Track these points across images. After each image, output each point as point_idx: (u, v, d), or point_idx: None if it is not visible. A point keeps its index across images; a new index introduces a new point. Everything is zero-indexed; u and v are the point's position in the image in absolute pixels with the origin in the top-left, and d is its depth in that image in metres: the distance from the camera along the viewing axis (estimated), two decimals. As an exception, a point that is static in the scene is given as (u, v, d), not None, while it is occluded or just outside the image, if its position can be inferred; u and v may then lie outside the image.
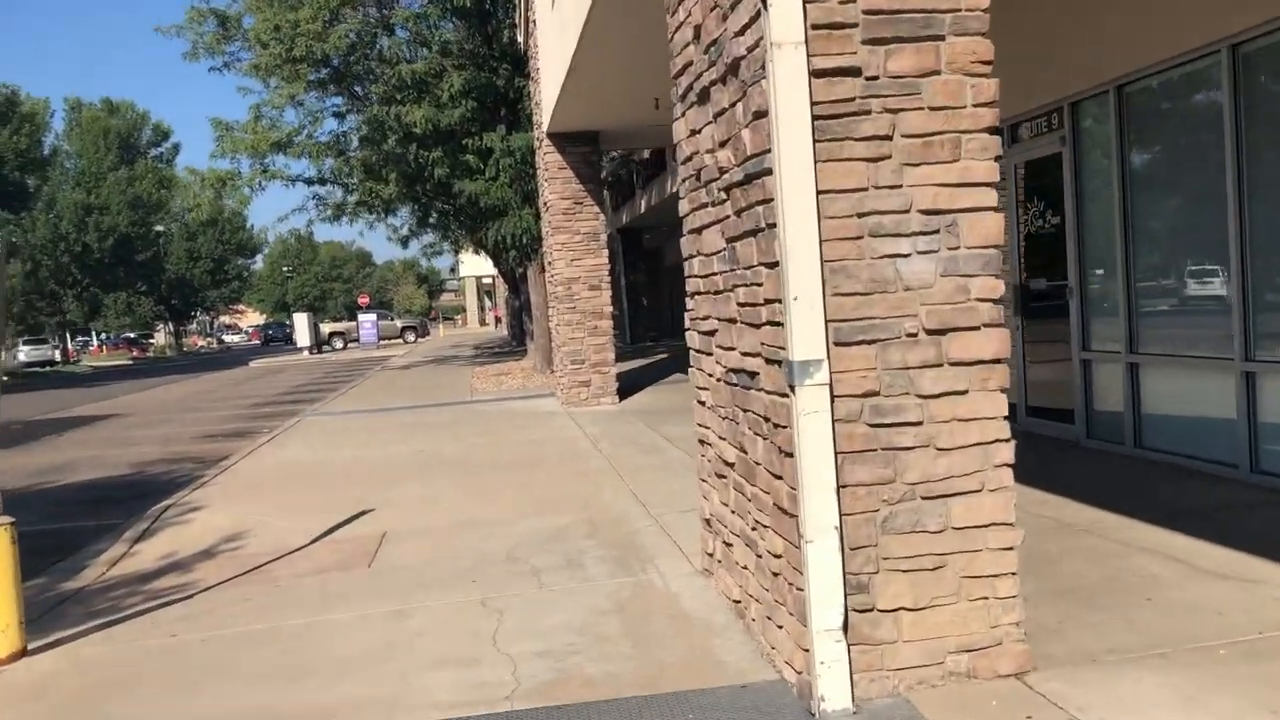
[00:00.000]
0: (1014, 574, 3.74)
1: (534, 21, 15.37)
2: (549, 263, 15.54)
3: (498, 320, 65.68)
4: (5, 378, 43.89)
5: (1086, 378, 8.36)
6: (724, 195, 4.42)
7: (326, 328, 52.39)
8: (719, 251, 4.59)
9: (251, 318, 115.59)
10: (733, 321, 4.43)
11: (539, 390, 17.73)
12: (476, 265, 64.48)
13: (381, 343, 48.58)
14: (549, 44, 13.73)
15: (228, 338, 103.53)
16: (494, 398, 17.15)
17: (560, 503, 7.98)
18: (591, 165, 14.89)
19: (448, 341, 50.44)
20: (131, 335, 75.69)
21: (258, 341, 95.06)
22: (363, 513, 8.29)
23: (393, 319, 56.44)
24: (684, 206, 5.33)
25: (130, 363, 61.57)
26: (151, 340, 77.01)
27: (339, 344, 50.43)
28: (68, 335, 71.68)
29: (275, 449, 12.87)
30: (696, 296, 5.23)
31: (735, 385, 4.48)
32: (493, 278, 66.50)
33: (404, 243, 34.15)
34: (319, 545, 7.35)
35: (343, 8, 18.83)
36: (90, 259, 49.71)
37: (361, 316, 48.22)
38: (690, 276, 5.32)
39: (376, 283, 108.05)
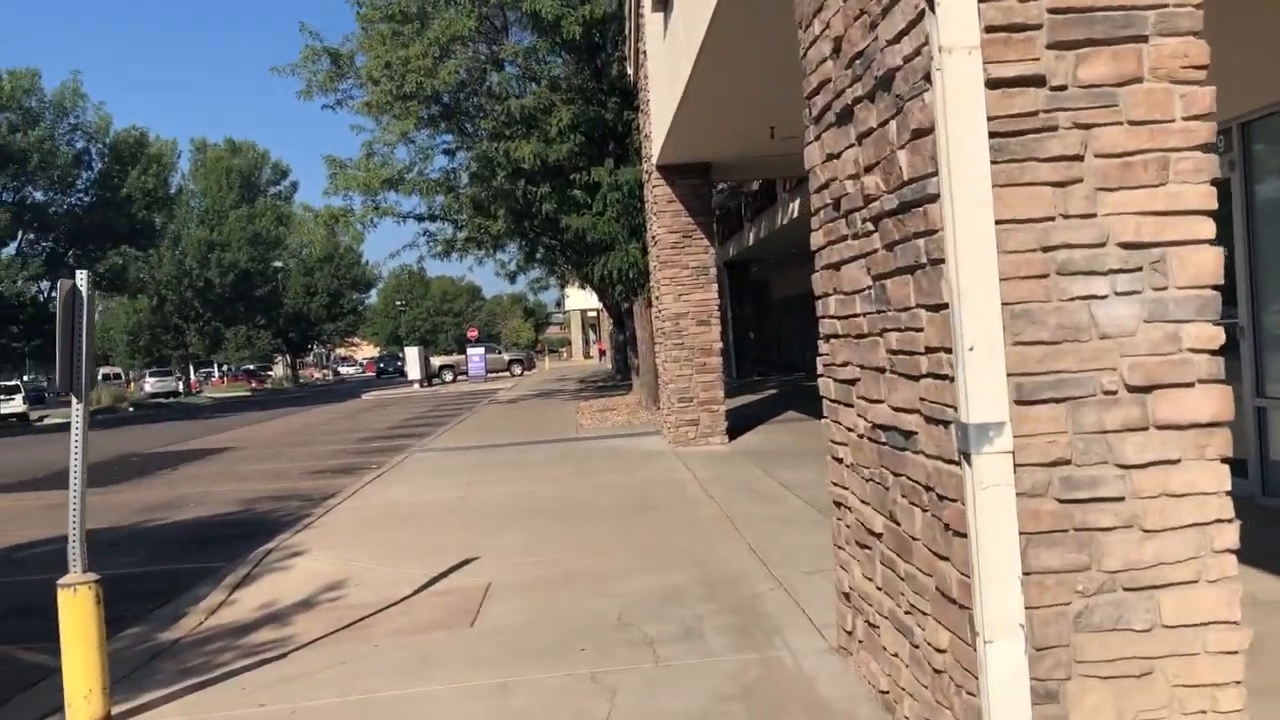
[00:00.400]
0: (1239, 683, 3.08)
1: (644, 53, 15.06)
2: (656, 297, 15.11)
3: (602, 354, 65.75)
4: (131, 409, 45.54)
5: (1261, 426, 7.50)
6: (870, 226, 3.88)
7: (437, 360, 53.09)
8: (863, 290, 4.04)
9: (366, 350, 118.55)
10: (881, 370, 3.87)
11: (645, 428, 17.27)
12: (582, 299, 64.78)
13: (489, 375, 48.94)
14: (659, 74, 13.38)
15: (343, 370, 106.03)
16: (599, 435, 16.75)
17: (672, 556, 7.46)
18: (701, 198, 14.45)
19: (553, 375, 50.54)
20: (251, 367, 78.06)
21: (372, 374, 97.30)
22: (466, 561, 7.90)
23: (500, 352, 56.92)
24: (817, 239, 4.81)
25: (249, 394, 63.37)
26: (270, 372, 79.30)
27: (449, 376, 51.00)
28: (191, 367, 74.38)
29: (380, 487, 12.66)
30: (832, 340, 4.68)
31: (884, 444, 3.92)
32: (598, 311, 66.71)
33: (512, 278, 34.26)
34: (421, 597, 6.98)
35: (453, 44, 18.85)
36: (212, 294, 51.40)
37: (470, 350, 48.69)
38: (825, 317, 4.78)
39: (485, 316, 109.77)
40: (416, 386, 43.58)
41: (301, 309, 66.25)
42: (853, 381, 4.35)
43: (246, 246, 51.75)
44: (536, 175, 19.28)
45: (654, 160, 14.26)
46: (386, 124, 20.89)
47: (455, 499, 11.14)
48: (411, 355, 45.10)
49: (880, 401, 3.93)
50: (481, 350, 48.11)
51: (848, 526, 4.68)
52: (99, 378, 66.04)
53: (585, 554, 7.82)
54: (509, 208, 21.58)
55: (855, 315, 4.20)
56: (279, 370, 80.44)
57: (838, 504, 4.87)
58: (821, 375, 4.99)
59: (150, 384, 57.68)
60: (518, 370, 53.41)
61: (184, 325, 53.76)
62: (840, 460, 4.77)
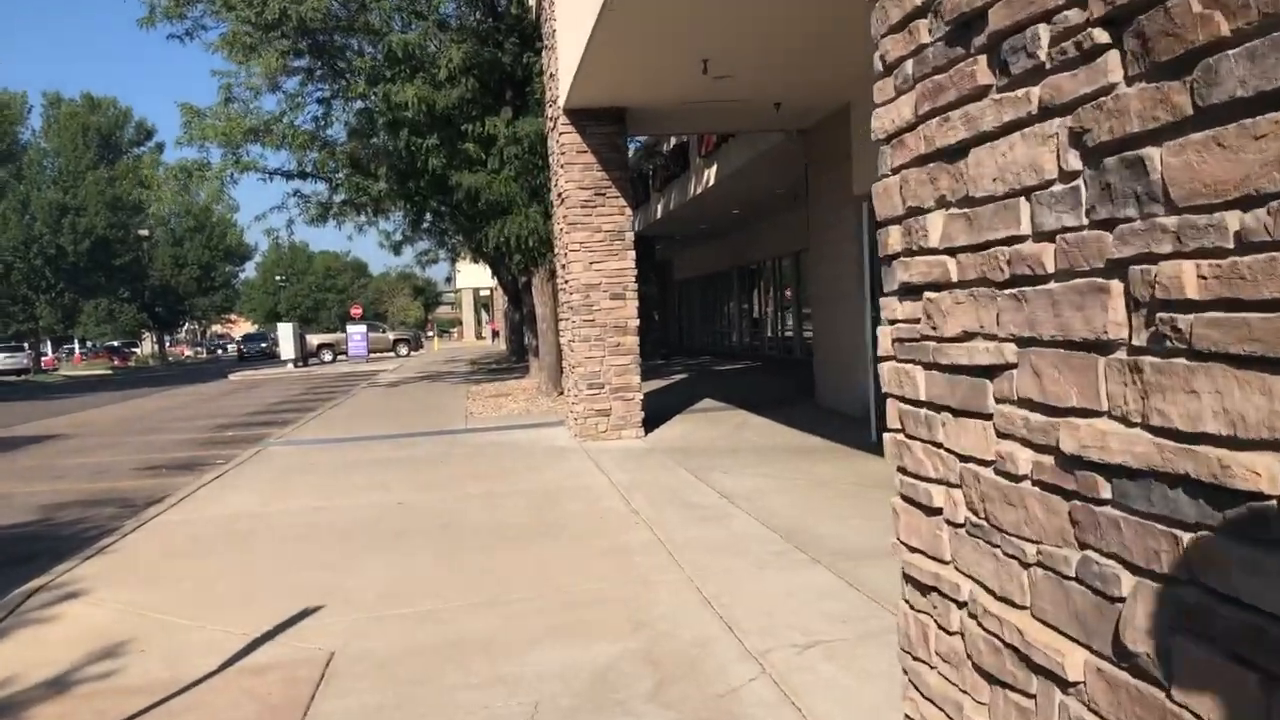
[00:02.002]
0: None
1: (550, -23, 12.82)
2: (563, 266, 12.94)
3: (495, 334, 63.13)
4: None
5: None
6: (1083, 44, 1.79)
7: (315, 339, 49.73)
8: (1043, 185, 1.99)
9: (244, 327, 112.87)
10: (1097, 348, 1.81)
11: (545, 417, 15.09)
12: (474, 276, 62.04)
13: (372, 356, 45.91)
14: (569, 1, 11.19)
15: (218, 348, 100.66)
16: (493, 425, 14.50)
17: (598, 610, 5.33)
18: (617, 149, 12.31)
19: (442, 355, 47.74)
20: (115, 344, 72.93)
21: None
22: (306, 612, 5.64)
23: (384, 331, 53.78)
24: (899, 113, 2.74)
25: (110, 372, 58.75)
26: (135, 350, 74.24)
27: (327, 356, 47.76)
28: (48, 343, 68.98)
29: (219, 492, 10.21)
30: (929, 296, 2.62)
31: (1097, 503, 1.87)
32: (491, 289, 64.06)
33: (396, 249, 31.65)
34: (227, 677, 4.72)
35: (324, -31, 16.28)
36: (65, 262, 46.93)
37: (351, 328, 45.55)
38: (902, 255, 2.73)
39: (372, 294, 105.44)
40: (290, 367, 40.40)
41: (169, 281, 61.81)
42: (993, 370, 2.29)
43: (105, 211, 47.36)
44: (422, 125, 16.85)
45: (561, 103, 12.05)
46: (249, 63, 18.14)
47: (308, 510, 8.80)
48: (285, 333, 41.81)
49: (1100, 414, 1.87)
50: (363, 329, 45.01)
51: (948, 631, 2.63)
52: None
53: (474, 603, 5.64)
54: (391, 165, 19.10)
55: (1013, 240, 2.15)
56: (145, 348, 75.40)
57: (918, 584, 2.81)
58: (888, 358, 2.93)
59: (-1, 360, 52.81)
60: (404, 350, 50.41)
61: (33, 296, 49.11)
62: (929, 509, 2.72)
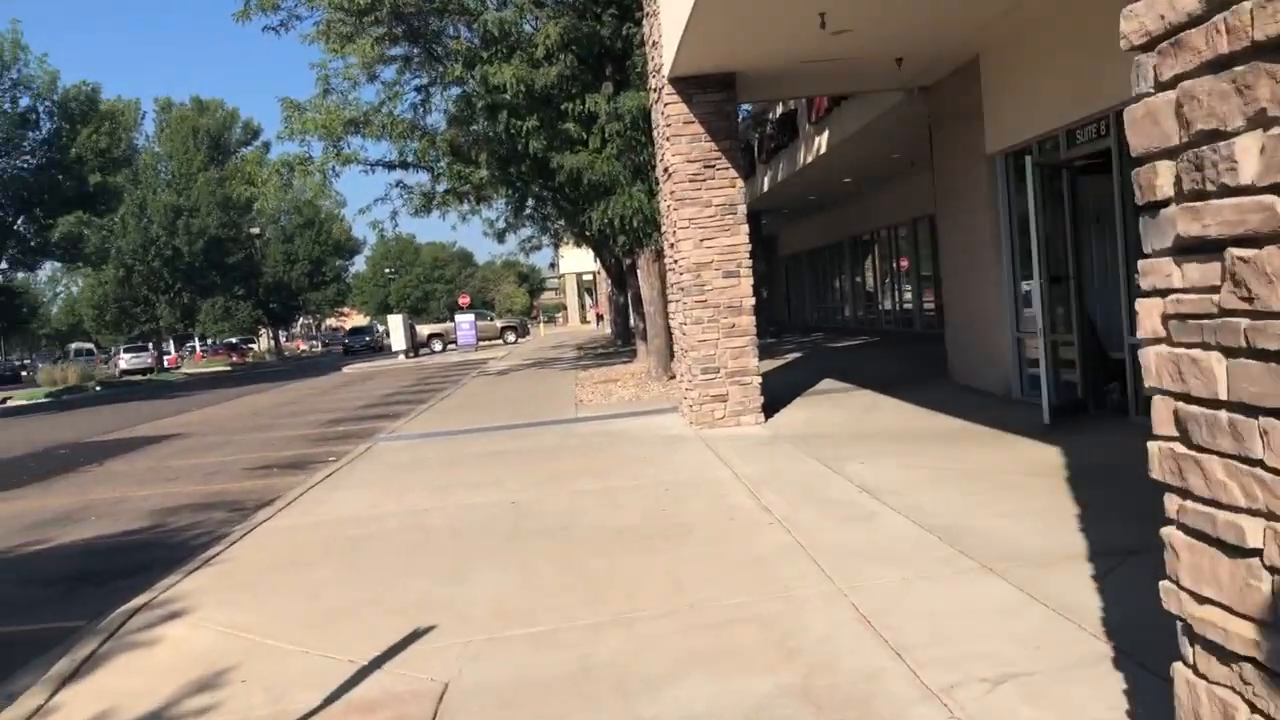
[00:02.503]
0: None
1: (649, -61, 12.13)
2: (670, 245, 12.28)
3: (599, 318, 62.88)
4: (98, 387, 42.67)
5: None
6: None
7: (424, 329, 50.13)
8: None
9: (357, 320, 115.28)
10: None
11: (657, 404, 14.48)
12: (576, 261, 61.90)
13: (481, 344, 46.07)
14: (671, -42, 10.48)
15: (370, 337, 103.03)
16: (603, 414, 13.95)
17: (739, 632, 4.68)
18: (726, 117, 11.57)
19: (548, 341, 47.66)
20: (233, 340, 75.05)
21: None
22: (417, 634, 5.13)
23: (492, 319, 53.98)
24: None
25: (229, 369, 60.45)
26: (252, 345, 76.30)
27: (437, 346, 48.09)
28: (169, 342, 71.34)
29: (328, 493, 9.87)
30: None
31: None
32: (594, 273, 63.78)
33: (500, 236, 31.48)
34: (332, 715, 4.22)
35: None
36: (181, 263, 48.21)
37: (459, 317, 45.71)
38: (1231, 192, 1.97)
39: (478, 283, 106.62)
40: (401, 358, 40.70)
41: (282, 278, 63.19)
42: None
43: (216, 211, 48.50)
44: (521, 107, 16.33)
45: (666, 72, 11.36)
46: (342, 51, 17.89)
47: (418, 511, 8.35)
48: (395, 324, 42.14)
49: None
50: (471, 318, 45.13)
51: (1268, 717, 1.89)
52: (71, 354, 63.21)
53: (600, 621, 5.04)
54: (491, 151, 18.67)
55: None
56: (262, 343, 77.44)
57: (1217, 648, 2.07)
58: (1156, 341, 2.19)
59: (124, 360, 54.73)
60: (511, 338, 50.50)
61: (153, 297, 50.64)
62: (1238, 549, 1.97)
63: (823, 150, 19.05)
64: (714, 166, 11.52)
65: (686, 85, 11.41)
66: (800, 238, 36.39)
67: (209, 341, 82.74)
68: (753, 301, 11.66)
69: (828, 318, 35.61)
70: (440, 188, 22.37)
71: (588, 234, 22.48)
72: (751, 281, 11.66)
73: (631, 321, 35.86)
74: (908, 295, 26.86)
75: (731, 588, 5.32)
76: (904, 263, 30.91)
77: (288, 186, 20.93)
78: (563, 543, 6.70)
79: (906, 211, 25.36)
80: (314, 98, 19.13)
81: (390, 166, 21.12)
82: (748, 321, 11.62)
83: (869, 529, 6.21)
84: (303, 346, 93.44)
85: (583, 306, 77.57)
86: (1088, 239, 9.87)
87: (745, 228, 11.62)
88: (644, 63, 15.19)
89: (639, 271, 18.10)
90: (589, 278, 70.73)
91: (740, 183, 11.60)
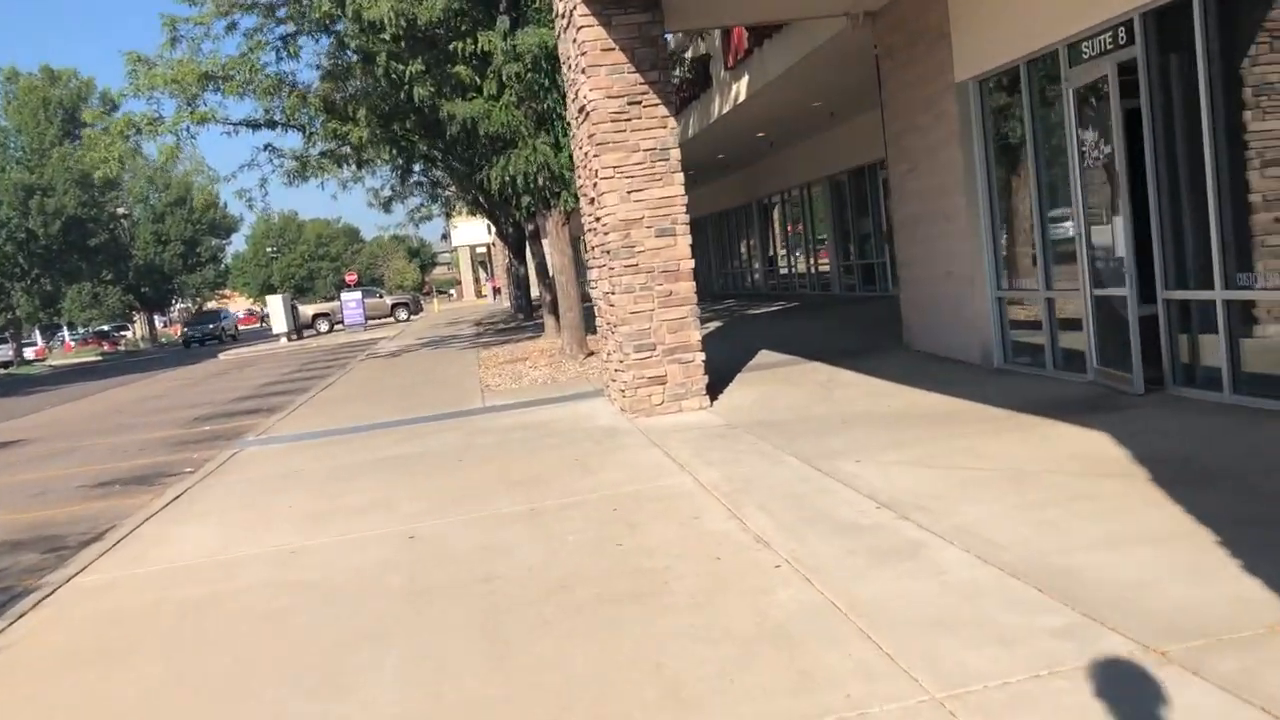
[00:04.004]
0: None
1: None
2: (591, 200, 10.33)
3: (496, 291, 60.44)
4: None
5: None
6: None
7: (309, 309, 47.03)
8: None
9: (240, 302, 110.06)
10: None
11: (577, 387, 12.56)
12: (469, 233, 59.17)
13: (370, 323, 43.30)
14: None
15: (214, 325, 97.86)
16: (516, 401, 11.96)
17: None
18: (653, 43, 9.61)
19: (443, 318, 45.13)
20: (104, 328, 70.28)
21: (251, 325, 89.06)
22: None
23: (381, 296, 51.09)
24: None
25: (99, 359, 56.29)
26: (125, 333, 71.62)
27: (324, 327, 45.13)
28: (34, 332, 66.33)
29: (171, 524, 7.70)
30: None
31: None
32: (489, 245, 61.22)
33: (385, 206, 29.04)
34: None
35: None
36: (37, 246, 44.05)
37: (345, 296, 42.82)
38: None
39: (366, 259, 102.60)
40: (284, 341, 37.80)
41: (153, 260, 58.97)
42: None
43: (74, 189, 44.41)
44: (403, 51, 14.12)
45: (577, -12, 9.35)
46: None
47: (282, 556, 6.27)
48: (275, 304, 39.11)
49: None
50: (358, 295, 42.28)
51: None
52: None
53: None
54: (371, 106, 16.38)
55: None
56: (138, 330, 72.72)
57: None
58: None
59: (-19, 353, 50.34)
60: (403, 315, 47.75)
61: (8, 284, 46.33)
62: None
63: (740, 98, 17.24)
64: (640, 103, 9.58)
65: (603, 4, 9.41)
66: (708, 201, 34.66)
67: (79, 330, 77.51)
68: (691, 264, 9.79)
69: (734, 283, 34.02)
70: (315, 150, 19.94)
71: (484, 197, 20.36)
72: (689, 240, 9.78)
73: (534, 294, 33.75)
74: (826, 258, 25.34)
75: (757, 697, 3.45)
76: (796, 227, 29.55)
77: (136, 152, 18.28)
78: (484, 611, 4.73)
79: (822, 168, 23.80)
80: (160, 49, 16.51)
81: (255, 126, 18.61)
82: (687, 288, 9.74)
83: (922, 572, 4.41)
84: (180, 332, 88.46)
85: (478, 280, 74.93)
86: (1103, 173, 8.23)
87: (680, 176, 9.72)
88: (543, -5, 13.13)
89: (546, 237, 16.10)
90: (483, 250, 68.11)
91: (672, 122, 9.69)
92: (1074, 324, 8.64)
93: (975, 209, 9.82)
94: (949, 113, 10.03)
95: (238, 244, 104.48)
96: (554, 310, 20.07)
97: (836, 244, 24.32)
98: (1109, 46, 7.56)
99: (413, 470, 8.56)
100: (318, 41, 17.38)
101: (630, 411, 9.70)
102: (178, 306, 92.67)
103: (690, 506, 6.10)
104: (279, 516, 7.44)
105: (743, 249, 33.91)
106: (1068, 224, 8.50)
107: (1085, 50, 7.87)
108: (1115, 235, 7.49)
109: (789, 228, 29.02)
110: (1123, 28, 7.38)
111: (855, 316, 17.81)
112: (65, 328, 76.76)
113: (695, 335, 9.77)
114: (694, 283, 9.81)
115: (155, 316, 71.72)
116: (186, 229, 60.75)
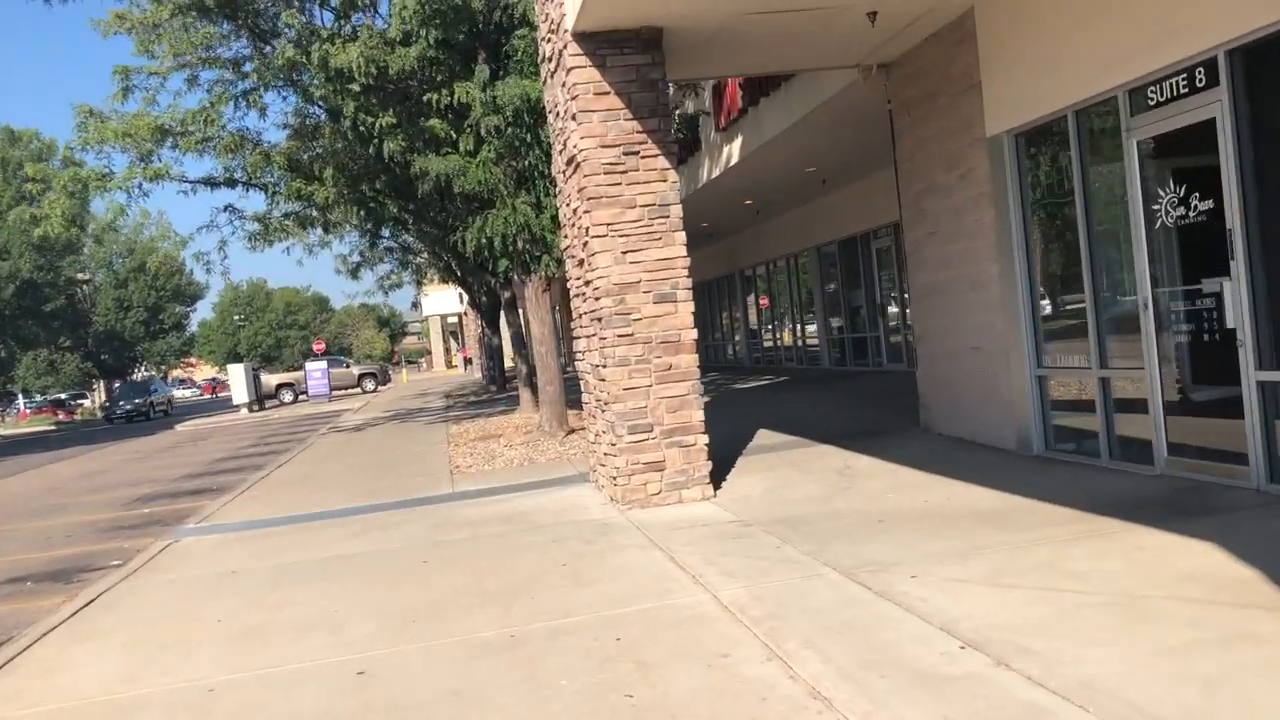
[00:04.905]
0: None
1: None
2: (579, 261, 9.20)
3: (467, 362, 59.15)
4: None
5: None
6: None
7: (273, 379, 45.45)
8: None
9: (204, 371, 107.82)
10: None
11: (557, 469, 11.30)
12: (440, 302, 58.07)
13: (336, 394, 41.78)
14: None
15: (177, 393, 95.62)
16: (490, 486, 10.67)
17: None
18: (653, 87, 8.57)
19: (412, 389, 43.70)
20: (61, 397, 68.09)
21: (209, 395, 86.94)
22: None
23: (348, 366, 49.53)
24: None
25: (53, 428, 54.23)
26: (83, 401, 69.47)
27: (287, 397, 43.53)
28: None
29: (70, 644, 6.34)
30: None
31: None
32: (460, 315, 60.10)
33: (354, 272, 27.92)
34: None
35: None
36: (-14, 310, 42.39)
37: (309, 365, 41.31)
38: None
39: (335, 328, 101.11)
40: (244, 412, 36.23)
41: (114, 327, 57.29)
42: None
43: (30, 253, 42.92)
44: (373, 102, 13.07)
45: (569, 25, 8.32)
46: (143, 45, 14.37)
47: (198, 697, 4.94)
48: (236, 373, 37.61)
49: None
50: (323, 365, 40.77)
51: None
52: None
53: None
54: (339, 165, 15.29)
55: None
56: (98, 398, 70.56)
57: None
58: None
59: (-75, 423, 48.16)
60: (370, 386, 46.21)
61: (-44, 351, 44.53)
62: None
63: (733, 161, 16.31)
64: (637, 153, 8.50)
65: (597, 44, 8.38)
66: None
67: (36, 398, 75.19)
68: (694, 334, 8.64)
69: (715, 355, 32.98)
70: (278, 212, 18.80)
71: (457, 262, 19.25)
72: (692, 308, 8.65)
73: (507, 364, 32.51)
74: (814, 330, 24.34)
75: None
76: (764, 301, 28.66)
77: (82, 210, 17.09)
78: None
79: (809, 238, 22.92)
80: (111, 97, 15.40)
81: (215, 185, 17.47)
82: (688, 361, 8.58)
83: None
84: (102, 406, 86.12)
85: (448, 350, 73.69)
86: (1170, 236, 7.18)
87: (682, 235, 8.64)
88: (525, 45, 12.16)
89: (525, 304, 14.94)
90: (454, 319, 66.99)
91: (673, 175, 8.61)
92: (1134, 406, 7.53)
93: (1010, 276, 8.76)
94: (978, 170, 9.03)
95: (204, 311, 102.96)
96: (530, 382, 18.87)
97: (825, 316, 23.34)
98: (1183, 90, 6.57)
99: (369, 573, 7.24)
100: (285, 99, 16.42)
101: (622, 502, 8.46)
102: (140, 374, 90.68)
103: (715, 639, 4.84)
104: (203, 635, 6.10)
105: (724, 320, 32.93)
106: (1128, 292, 7.43)
107: (1152, 95, 6.88)
108: (1226, 301, 6.37)
109: (774, 299, 28.08)
110: (1201, 69, 6.39)
111: (853, 393, 16.70)
112: (20, 395, 74.47)
113: (698, 415, 8.58)
114: (696, 355, 8.65)
115: (115, 385, 69.71)
116: (150, 295, 59.25)
